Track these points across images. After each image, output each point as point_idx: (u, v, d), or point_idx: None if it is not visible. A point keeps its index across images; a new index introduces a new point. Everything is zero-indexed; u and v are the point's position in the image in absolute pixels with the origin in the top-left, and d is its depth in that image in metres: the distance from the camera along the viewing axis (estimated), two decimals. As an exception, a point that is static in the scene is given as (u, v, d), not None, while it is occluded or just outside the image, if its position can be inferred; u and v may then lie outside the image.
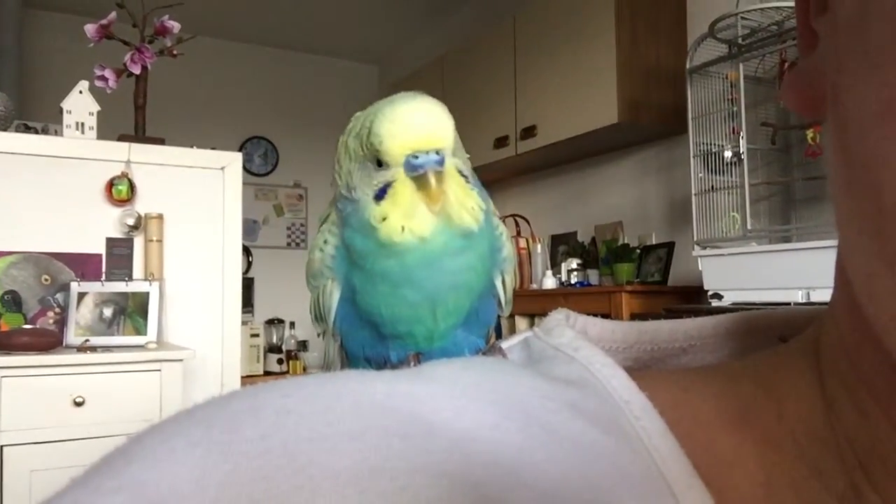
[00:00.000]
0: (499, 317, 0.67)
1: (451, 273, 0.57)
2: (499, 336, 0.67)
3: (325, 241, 0.62)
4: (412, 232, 0.54)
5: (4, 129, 2.18)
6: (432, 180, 0.54)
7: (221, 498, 0.21)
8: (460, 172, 0.57)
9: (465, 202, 0.56)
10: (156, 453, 0.23)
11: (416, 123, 0.54)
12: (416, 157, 0.54)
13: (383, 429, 0.24)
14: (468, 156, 0.61)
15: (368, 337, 0.62)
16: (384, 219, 0.55)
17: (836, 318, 0.27)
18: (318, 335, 0.67)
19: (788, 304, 2.13)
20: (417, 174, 0.54)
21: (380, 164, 0.55)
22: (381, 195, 0.55)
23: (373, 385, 0.26)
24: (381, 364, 0.62)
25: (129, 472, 0.22)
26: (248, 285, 4.82)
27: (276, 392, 0.25)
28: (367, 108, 0.58)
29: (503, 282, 0.65)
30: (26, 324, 2.08)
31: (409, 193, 0.55)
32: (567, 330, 0.33)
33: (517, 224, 3.89)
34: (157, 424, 0.25)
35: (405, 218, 0.55)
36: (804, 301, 2.14)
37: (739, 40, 2.47)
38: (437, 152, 0.54)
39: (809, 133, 2.34)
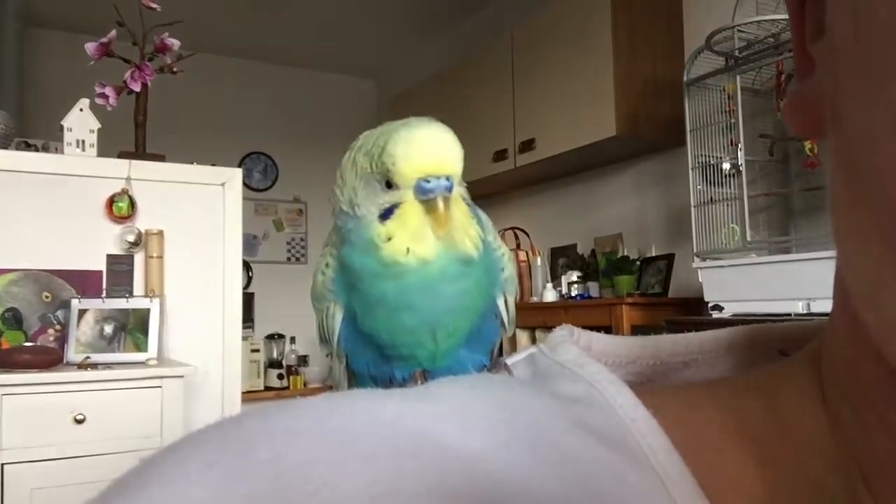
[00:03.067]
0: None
1: (449, 297, 0.58)
2: (499, 352, 0.67)
3: (327, 265, 0.62)
4: (415, 254, 0.55)
5: (5, 147, 2.18)
6: (441, 205, 0.54)
7: None
8: (464, 200, 0.58)
9: (468, 229, 0.57)
10: (171, 475, 0.23)
11: (431, 148, 0.55)
12: (428, 182, 0.55)
13: (395, 449, 0.24)
14: (464, 184, 0.62)
15: (373, 357, 0.62)
16: (389, 238, 0.55)
17: (836, 332, 0.27)
18: (326, 356, 0.67)
19: (789, 314, 2.13)
20: (427, 198, 0.55)
21: (389, 184, 0.56)
22: (386, 215, 0.56)
23: (383, 405, 0.26)
24: (386, 383, 0.62)
25: (145, 495, 0.22)
26: (248, 300, 4.81)
27: (287, 413, 0.25)
28: (377, 127, 0.58)
29: (506, 302, 0.65)
30: (27, 341, 2.08)
31: (417, 216, 0.55)
32: (572, 346, 0.33)
33: (517, 237, 3.89)
34: (171, 446, 0.25)
35: (411, 240, 0.55)
36: (805, 312, 2.14)
37: (736, 53, 2.48)
38: (447, 178, 0.55)
39: (807, 144, 2.34)
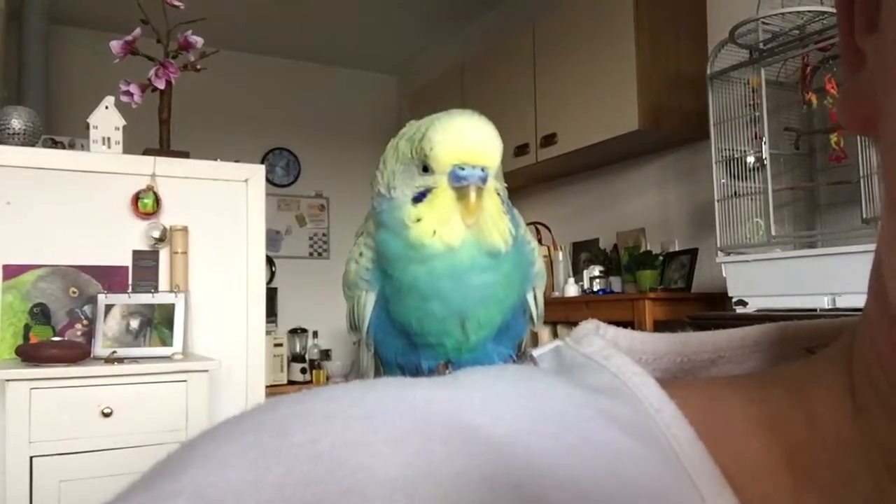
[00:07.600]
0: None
1: (478, 288, 0.58)
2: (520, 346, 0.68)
3: (361, 254, 0.63)
4: (441, 238, 0.56)
5: (32, 144, 2.21)
6: (472, 194, 0.55)
7: (276, 499, 0.22)
8: (499, 195, 0.58)
9: (498, 223, 0.57)
10: (211, 458, 0.23)
11: (469, 137, 0.56)
12: (462, 169, 0.55)
13: (425, 434, 0.24)
14: (505, 185, 0.62)
15: (401, 345, 0.63)
16: (418, 220, 0.56)
17: (870, 328, 0.27)
18: (354, 343, 0.68)
19: (814, 310, 2.11)
20: (460, 185, 0.55)
21: (425, 169, 0.57)
22: (419, 198, 0.57)
23: (413, 392, 0.27)
24: (413, 372, 0.63)
25: (187, 476, 0.23)
26: (271, 295, 4.84)
27: (321, 398, 0.26)
28: (424, 118, 0.60)
29: (535, 297, 0.66)
30: (55, 336, 2.11)
31: (448, 202, 0.56)
32: (597, 339, 0.33)
33: (538, 232, 3.88)
34: (209, 430, 0.26)
35: (438, 223, 0.56)
36: (830, 307, 2.11)
37: (760, 45, 2.46)
38: (483, 169, 0.56)
39: (833, 137, 2.31)
